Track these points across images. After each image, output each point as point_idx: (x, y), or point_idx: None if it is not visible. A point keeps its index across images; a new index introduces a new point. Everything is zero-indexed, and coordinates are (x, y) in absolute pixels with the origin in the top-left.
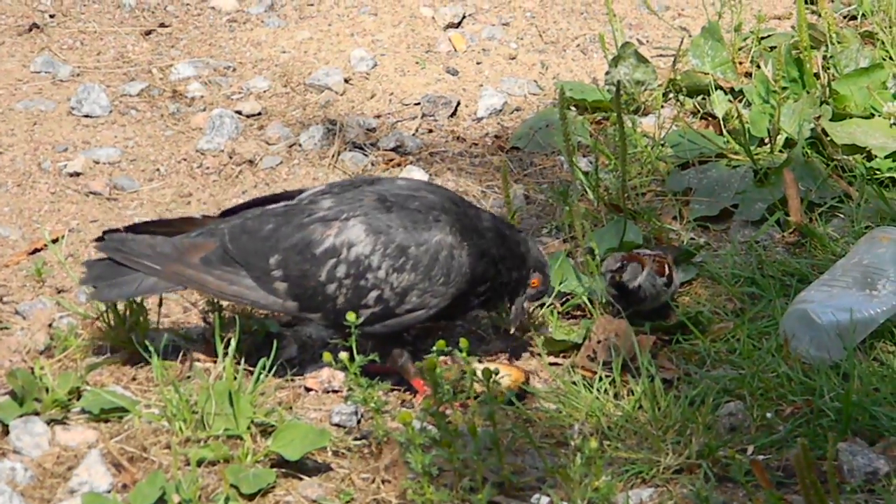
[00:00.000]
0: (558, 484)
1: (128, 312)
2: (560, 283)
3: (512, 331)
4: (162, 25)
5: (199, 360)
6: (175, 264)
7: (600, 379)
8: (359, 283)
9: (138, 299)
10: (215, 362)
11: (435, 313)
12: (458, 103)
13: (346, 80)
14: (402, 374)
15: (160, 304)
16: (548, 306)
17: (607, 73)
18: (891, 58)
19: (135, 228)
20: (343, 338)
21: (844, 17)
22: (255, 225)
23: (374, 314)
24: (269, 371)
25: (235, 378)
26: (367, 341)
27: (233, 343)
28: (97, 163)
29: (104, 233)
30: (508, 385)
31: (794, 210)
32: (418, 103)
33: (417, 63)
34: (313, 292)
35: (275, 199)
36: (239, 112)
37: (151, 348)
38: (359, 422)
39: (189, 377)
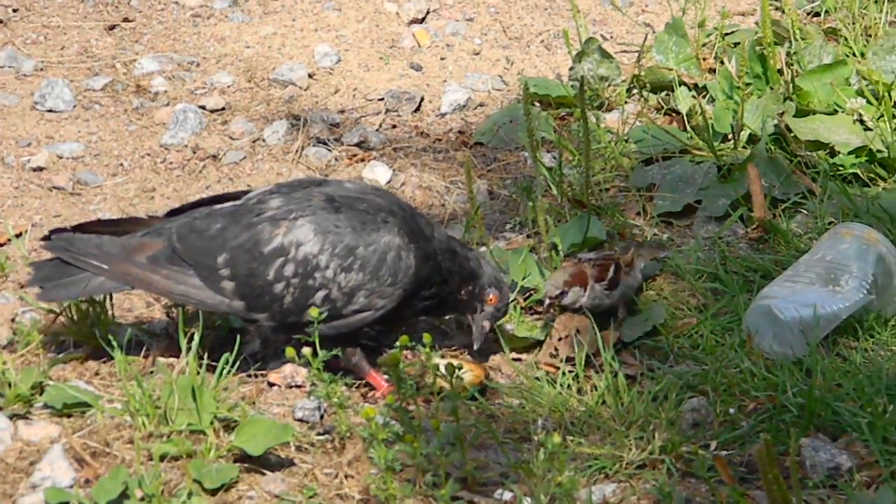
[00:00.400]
0: (521, 479)
1: (90, 308)
2: (523, 279)
3: (476, 348)
4: (125, 20)
5: (161, 356)
6: (122, 263)
7: (563, 374)
8: (307, 282)
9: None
10: (178, 357)
11: (382, 315)
12: (422, 99)
13: (310, 76)
14: (356, 372)
15: (110, 300)
16: (511, 302)
17: (571, 69)
18: (854, 54)
19: (82, 228)
20: (288, 340)
21: (808, 14)
22: (203, 224)
23: (321, 314)
24: (233, 366)
25: (198, 373)
26: (322, 343)
27: (196, 338)
28: (61, 157)
29: (51, 232)
30: (470, 381)
31: (758, 206)
32: (382, 98)
33: (381, 58)
34: (260, 292)
35: (221, 199)
36: (203, 107)
37: (114, 343)
38: (322, 417)
39: (152, 372)
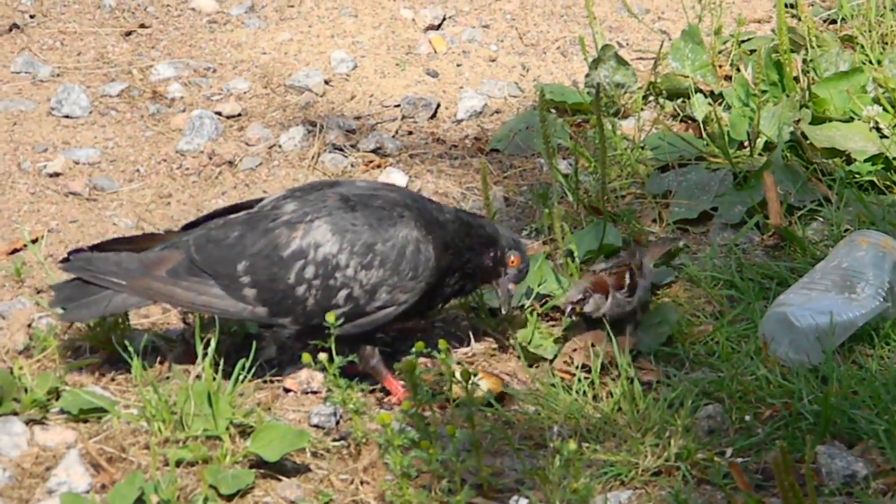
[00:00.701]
0: (537, 485)
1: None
2: (539, 285)
3: (504, 312)
4: (142, 26)
5: (177, 361)
6: (142, 279)
7: (579, 381)
8: (328, 282)
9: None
10: (194, 363)
11: (405, 310)
12: (439, 105)
13: (327, 82)
14: (373, 375)
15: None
16: (527, 308)
17: (587, 76)
18: (870, 61)
19: (100, 247)
20: (304, 346)
21: (824, 21)
22: (220, 234)
23: (345, 314)
24: (248, 372)
25: (214, 379)
26: (342, 344)
27: (212, 344)
28: (77, 163)
29: (69, 253)
30: (489, 389)
31: (774, 213)
32: (398, 105)
33: (398, 65)
34: (283, 296)
35: (234, 209)
36: (219, 113)
37: (131, 349)
38: (338, 423)
39: (168, 378)
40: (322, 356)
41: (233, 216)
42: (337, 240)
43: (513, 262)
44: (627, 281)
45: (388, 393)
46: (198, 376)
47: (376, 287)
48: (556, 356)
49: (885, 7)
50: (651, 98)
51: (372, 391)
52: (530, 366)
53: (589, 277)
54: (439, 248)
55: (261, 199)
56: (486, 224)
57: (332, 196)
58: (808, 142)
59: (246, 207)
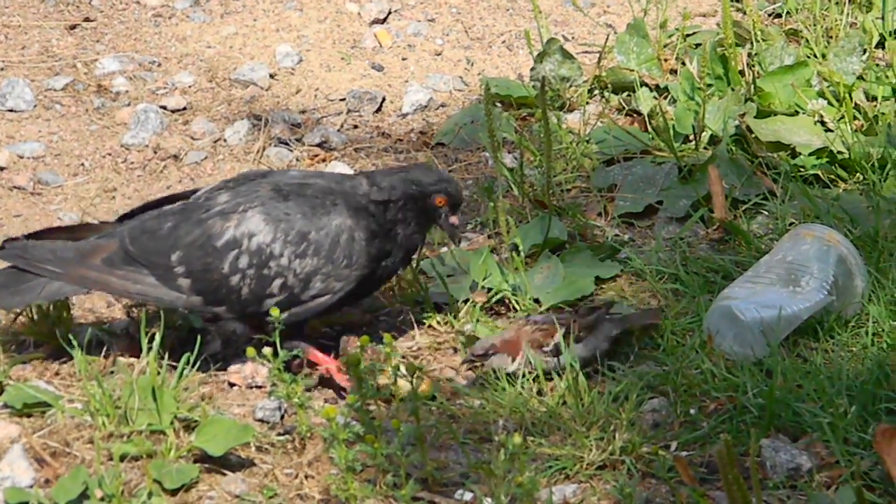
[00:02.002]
0: (482, 479)
1: (51, 308)
2: (484, 279)
3: (458, 244)
4: (87, 20)
5: (122, 355)
6: (78, 267)
7: (524, 375)
8: (262, 272)
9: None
10: (139, 357)
11: (340, 298)
12: (384, 99)
13: (272, 76)
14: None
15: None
16: (471, 302)
17: (533, 70)
18: (815, 55)
19: (36, 236)
20: (248, 340)
21: (769, 15)
22: (155, 224)
23: (280, 302)
24: (193, 366)
25: (159, 373)
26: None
27: (157, 338)
28: (21, 157)
29: (4, 241)
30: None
31: (719, 207)
32: (343, 99)
33: (343, 59)
34: (217, 285)
35: (170, 199)
36: (164, 107)
37: (75, 343)
38: (282, 417)
39: (112, 372)
40: (266, 350)
41: (167, 207)
42: (271, 229)
43: (441, 202)
44: (554, 341)
45: (313, 365)
46: (142, 371)
47: (310, 276)
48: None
49: (829, 1)
50: (596, 92)
51: (316, 387)
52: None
53: (511, 330)
54: (368, 237)
55: (196, 191)
56: (396, 183)
57: (264, 186)
58: (753, 135)
59: (182, 198)
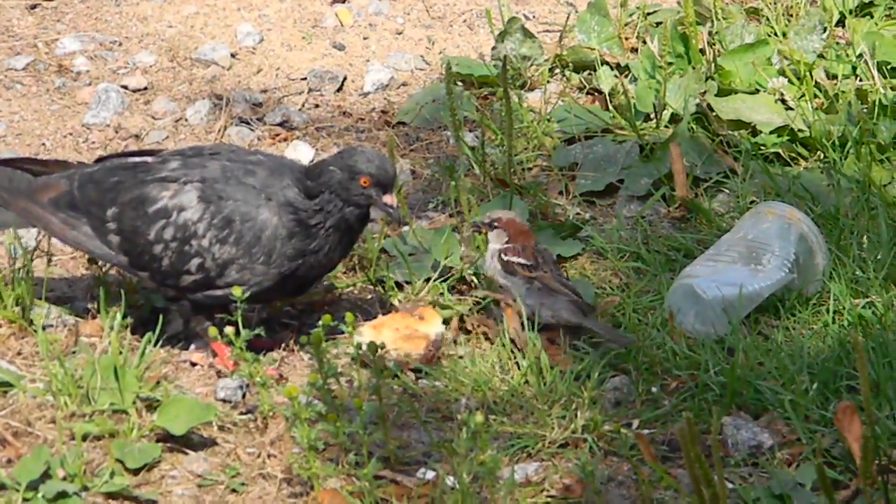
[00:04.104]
0: (444, 458)
1: (12, 286)
2: (446, 258)
3: (402, 224)
4: None
5: (84, 335)
6: (26, 201)
7: (483, 355)
8: (183, 248)
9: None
10: (101, 337)
11: (259, 291)
12: (345, 78)
13: (233, 55)
14: (202, 335)
15: (31, 276)
16: (436, 279)
17: (494, 49)
18: (775, 34)
19: (9, 163)
20: (208, 317)
21: None
22: (103, 176)
23: (196, 282)
24: (155, 346)
25: (121, 352)
26: (198, 311)
27: (118, 318)
28: None
29: None
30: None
31: (680, 185)
32: (305, 78)
33: (304, 38)
34: (142, 250)
35: (143, 153)
36: (125, 87)
37: (36, 322)
38: (244, 396)
39: (74, 352)
40: (228, 330)
41: (125, 161)
42: (201, 208)
43: (366, 183)
44: (529, 262)
45: (215, 355)
46: (104, 350)
47: (227, 263)
48: (469, 313)
49: None
50: (557, 71)
51: (278, 364)
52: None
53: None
54: (286, 236)
55: (163, 150)
56: (322, 171)
57: (214, 163)
58: (713, 114)
59: (151, 154)
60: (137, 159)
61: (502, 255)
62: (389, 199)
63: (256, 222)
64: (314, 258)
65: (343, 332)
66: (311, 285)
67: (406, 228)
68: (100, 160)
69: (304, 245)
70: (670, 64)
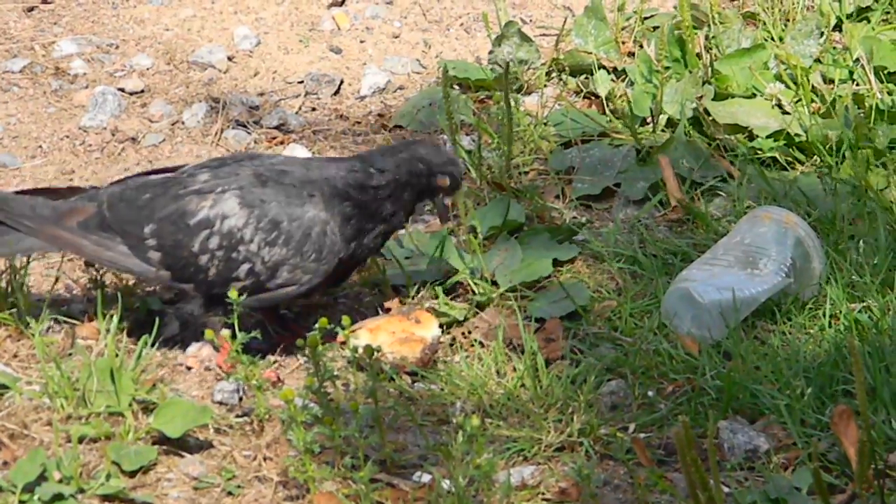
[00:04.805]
0: (440, 461)
1: (9, 288)
2: (442, 262)
3: (443, 224)
4: (44, 2)
5: (80, 338)
6: (53, 227)
7: (479, 358)
8: (230, 255)
9: (20, 271)
10: (97, 339)
11: (308, 289)
12: (342, 82)
13: (230, 58)
14: (209, 326)
15: (35, 282)
16: (433, 283)
17: (491, 52)
18: (772, 38)
19: (23, 193)
20: (217, 311)
21: None
22: (133, 194)
23: (246, 287)
24: (151, 348)
25: (117, 355)
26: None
27: (114, 320)
28: None
29: None
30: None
31: (674, 191)
32: (301, 81)
33: (301, 41)
34: (186, 263)
35: (159, 172)
36: (122, 89)
37: (33, 325)
38: (240, 399)
39: (71, 354)
40: (225, 332)
41: (151, 178)
42: (244, 213)
43: (443, 184)
44: None
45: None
46: (100, 353)
47: (278, 265)
48: (465, 318)
49: None
50: (554, 74)
51: (273, 367)
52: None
53: None
54: (342, 222)
55: (183, 166)
56: (401, 162)
57: (246, 169)
58: (710, 118)
59: (169, 172)
60: (159, 176)
61: None
62: (450, 201)
63: (304, 220)
64: (367, 238)
65: (339, 335)
66: (350, 274)
67: (402, 232)
68: (115, 183)
69: (363, 224)
70: (667, 68)
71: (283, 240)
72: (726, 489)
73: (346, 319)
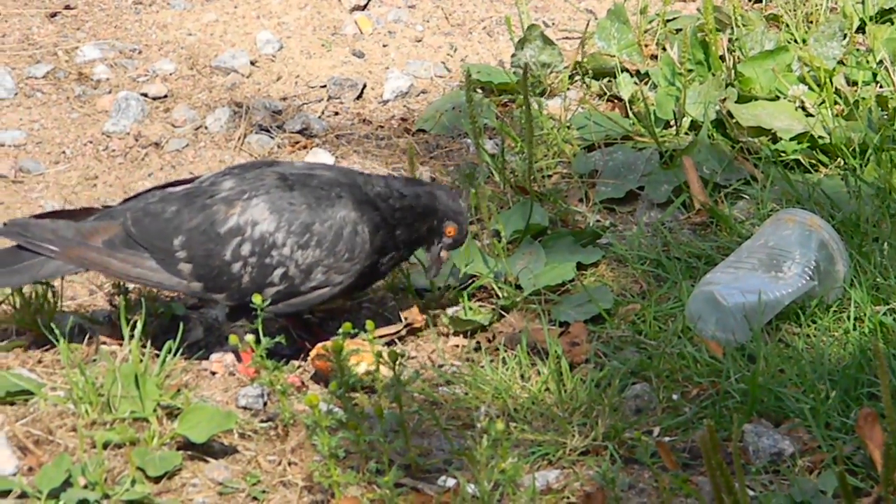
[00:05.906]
0: (465, 466)
1: (34, 295)
2: (466, 265)
3: (431, 277)
4: (67, 7)
5: (105, 343)
6: (78, 248)
7: (504, 362)
8: (264, 260)
9: (44, 283)
10: (121, 345)
11: (340, 290)
12: (365, 86)
13: (252, 63)
14: (234, 332)
15: (52, 289)
16: (460, 288)
17: (513, 56)
18: (795, 40)
19: (39, 217)
20: (249, 319)
21: (749, 0)
22: (158, 208)
23: (280, 292)
24: (176, 353)
25: (142, 360)
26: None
27: (139, 325)
28: (2, 145)
29: (6, 223)
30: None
31: (698, 194)
32: (324, 86)
33: (323, 45)
34: (218, 272)
35: (173, 184)
36: (145, 94)
37: (57, 331)
38: (265, 404)
39: (95, 360)
40: (249, 337)
41: (171, 191)
42: (274, 218)
43: (449, 232)
44: None
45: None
46: (125, 358)
47: (312, 267)
48: (490, 323)
49: None
50: (577, 78)
51: (299, 372)
52: (456, 346)
53: None
54: (372, 230)
55: (199, 176)
56: (422, 194)
57: (270, 175)
58: (733, 121)
59: (185, 183)
60: (180, 188)
61: None
62: (446, 254)
63: (335, 220)
64: (388, 258)
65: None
66: (367, 287)
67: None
68: (131, 199)
69: (385, 241)
70: (690, 71)
71: (316, 241)
72: (751, 493)
73: (370, 324)
